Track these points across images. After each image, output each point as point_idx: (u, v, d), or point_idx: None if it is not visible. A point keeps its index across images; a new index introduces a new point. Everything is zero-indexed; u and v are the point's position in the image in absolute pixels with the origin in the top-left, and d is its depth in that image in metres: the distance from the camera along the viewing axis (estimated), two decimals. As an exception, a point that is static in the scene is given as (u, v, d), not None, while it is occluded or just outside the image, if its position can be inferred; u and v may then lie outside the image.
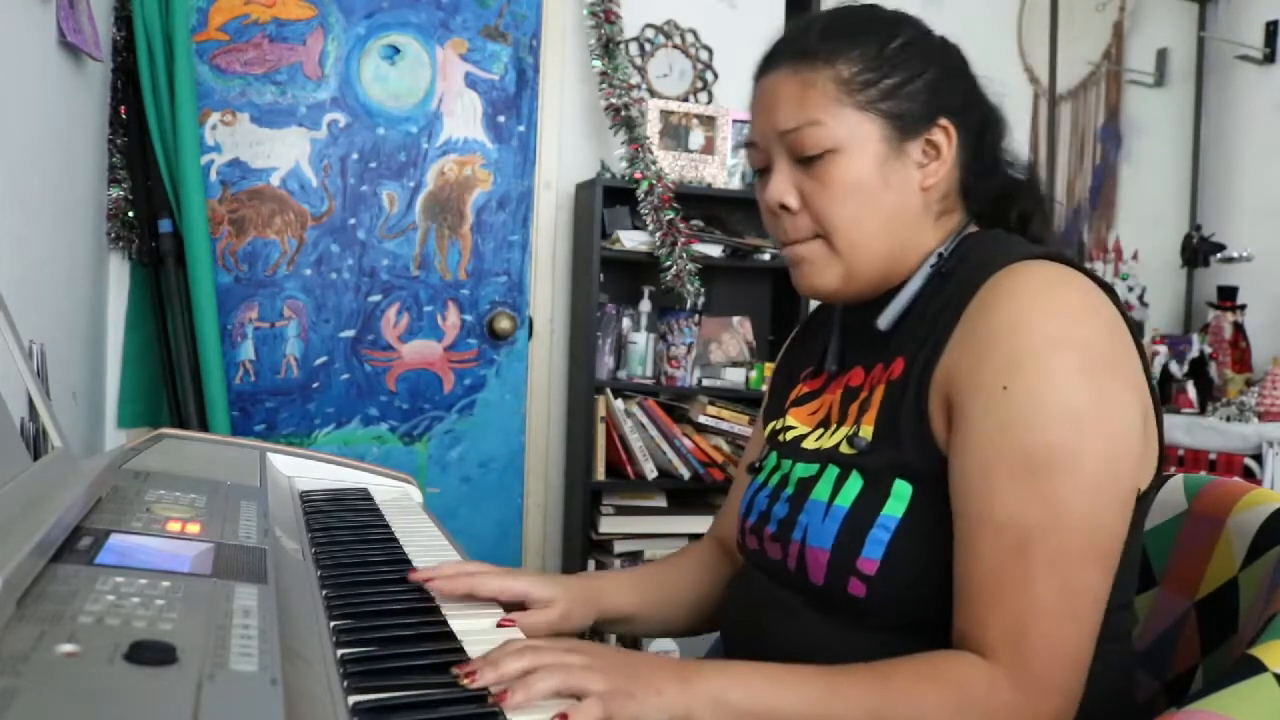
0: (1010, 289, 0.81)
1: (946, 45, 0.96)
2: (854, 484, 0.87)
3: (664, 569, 1.14)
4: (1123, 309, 0.84)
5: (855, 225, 0.89)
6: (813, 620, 0.89)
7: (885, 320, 0.92)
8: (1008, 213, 0.97)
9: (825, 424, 0.97)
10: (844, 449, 0.90)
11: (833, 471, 0.89)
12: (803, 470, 0.94)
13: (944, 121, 0.90)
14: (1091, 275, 0.84)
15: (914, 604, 0.83)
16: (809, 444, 0.96)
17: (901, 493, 0.84)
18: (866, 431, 0.88)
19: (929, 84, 0.90)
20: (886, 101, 0.88)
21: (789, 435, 1.01)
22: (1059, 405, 0.76)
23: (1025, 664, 0.74)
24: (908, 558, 0.82)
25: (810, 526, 0.88)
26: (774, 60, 0.93)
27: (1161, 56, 3.89)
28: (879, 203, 0.89)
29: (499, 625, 0.89)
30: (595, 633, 2.60)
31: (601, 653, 0.75)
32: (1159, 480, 0.87)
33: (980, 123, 0.94)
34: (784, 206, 0.91)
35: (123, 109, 2.15)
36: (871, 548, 0.83)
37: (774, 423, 1.06)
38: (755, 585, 0.99)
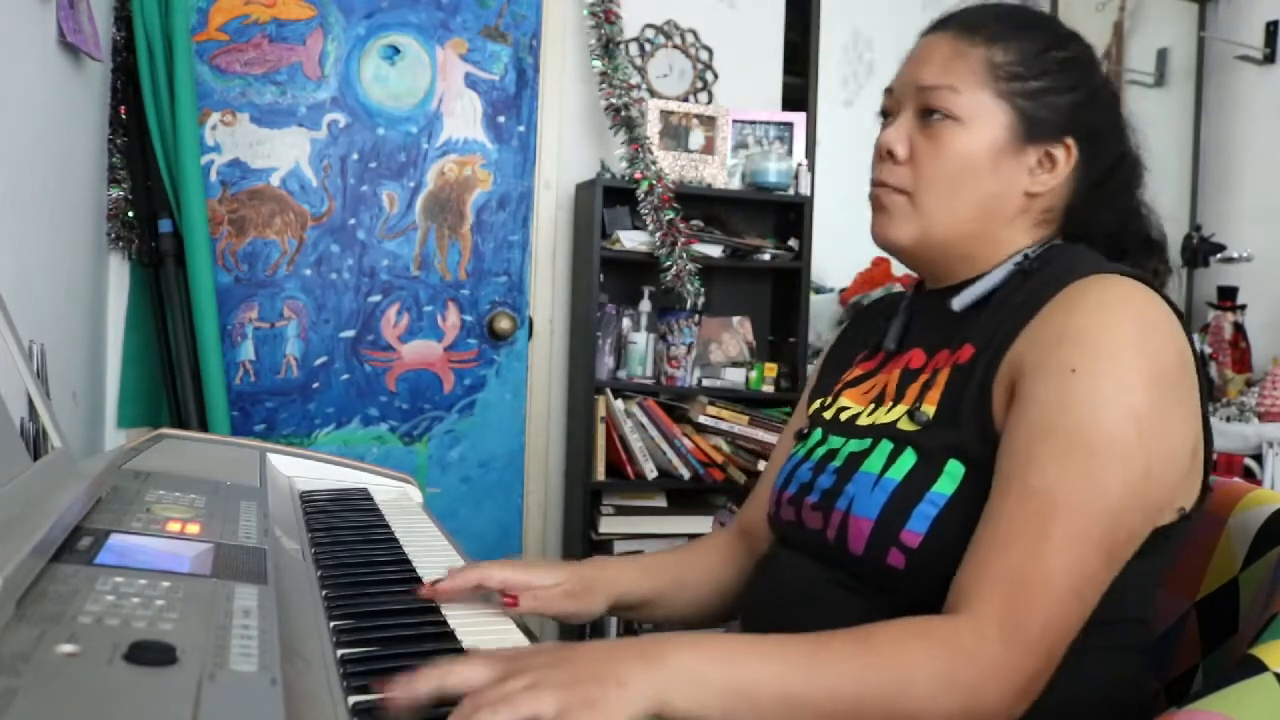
0: (1096, 294, 0.82)
1: (1107, 83, 0.98)
2: (907, 459, 0.87)
3: (679, 557, 1.12)
4: (1189, 332, 0.85)
5: (946, 193, 0.91)
6: (842, 601, 0.88)
7: (960, 302, 0.93)
8: (1112, 254, 0.95)
9: (879, 401, 0.97)
10: (902, 424, 0.90)
11: (886, 446, 0.89)
12: (855, 445, 0.93)
13: (1069, 140, 0.92)
14: (1167, 299, 0.84)
15: (948, 584, 0.81)
16: (863, 421, 0.96)
17: (954, 472, 0.84)
18: (929, 409, 0.89)
19: (1072, 102, 0.92)
20: (1025, 99, 0.91)
21: (842, 415, 1.00)
22: (1122, 401, 0.77)
23: (1020, 622, 0.73)
24: (951, 536, 0.81)
25: (857, 496, 0.88)
26: (943, 23, 0.96)
27: (1161, 56, 3.89)
28: (978, 183, 0.91)
29: (504, 604, 0.89)
30: (595, 627, 2.61)
31: (546, 660, 0.65)
32: (1201, 504, 0.86)
33: (1112, 162, 0.95)
34: (891, 153, 0.94)
35: (123, 109, 2.15)
36: (917, 521, 0.83)
37: (821, 400, 1.06)
38: (783, 569, 0.97)
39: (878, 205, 0.96)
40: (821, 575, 0.91)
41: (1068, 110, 0.92)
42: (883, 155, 0.95)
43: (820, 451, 0.98)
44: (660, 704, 0.65)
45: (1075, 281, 0.84)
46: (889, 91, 0.97)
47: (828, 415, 1.02)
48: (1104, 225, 0.96)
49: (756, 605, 1.01)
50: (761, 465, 2.51)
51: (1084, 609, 0.76)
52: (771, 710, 0.69)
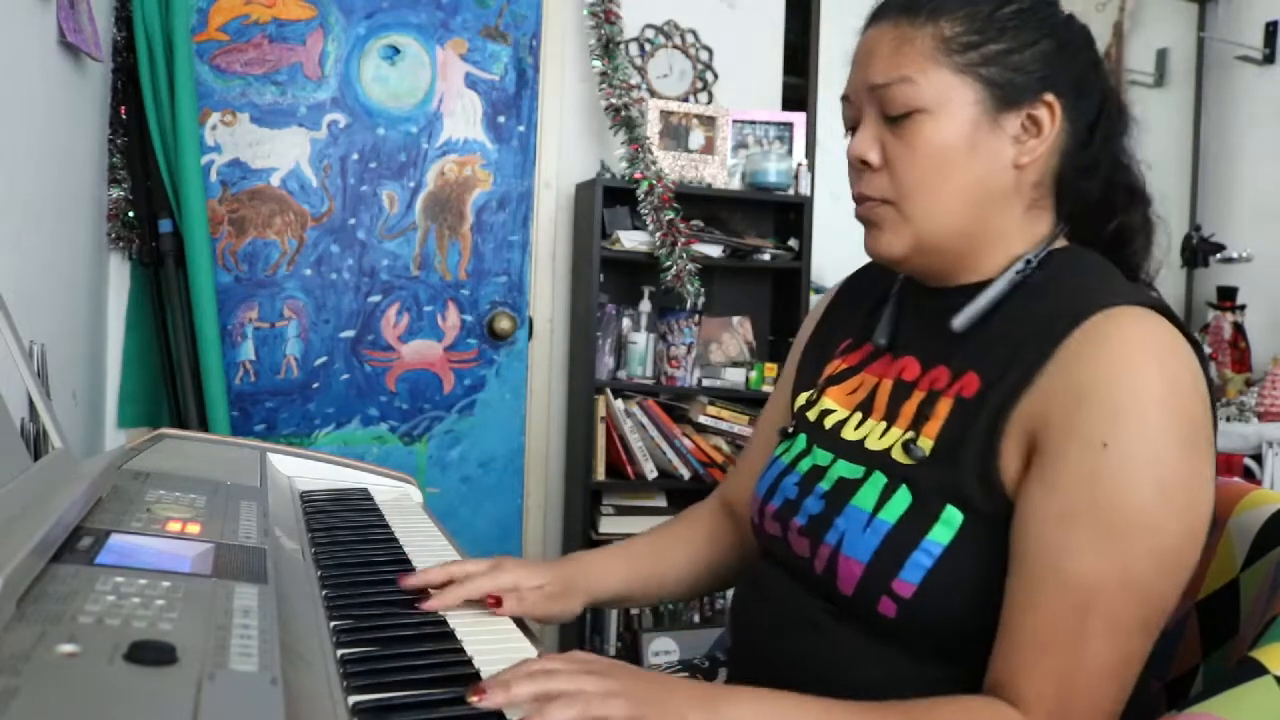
0: (1116, 338, 0.76)
1: (1071, 21, 0.89)
2: (901, 499, 0.83)
3: (660, 539, 1.11)
4: (1205, 363, 0.80)
5: (932, 191, 0.84)
6: (833, 632, 0.86)
7: (961, 322, 0.86)
8: (1105, 225, 0.90)
9: (865, 409, 0.93)
10: (896, 454, 0.86)
11: (879, 480, 0.85)
12: (846, 470, 0.89)
13: (1049, 97, 0.84)
14: (1183, 327, 0.80)
15: (942, 633, 0.81)
16: (849, 434, 0.92)
17: (951, 519, 0.80)
18: (926, 444, 0.84)
19: (1040, 55, 0.84)
20: (988, 67, 0.83)
21: (827, 420, 0.96)
22: (1155, 472, 0.73)
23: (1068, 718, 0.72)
24: (946, 587, 0.79)
25: (848, 534, 0.85)
26: (880, 13, 0.88)
27: (1161, 57, 3.89)
28: (962, 171, 0.84)
29: (489, 606, 0.89)
30: (595, 630, 2.61)
31: (621, 674, 0.71)
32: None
33: (1094, 111, 0.88)
34: (864, 162, 0.87)
35: (123, 109, 2.15)
36: (911, 571, 0.80)
37: (805, 395, 1.02)
38: (774, 589, 0.95)
39: (865, 221, 0.89)
40: (814, 604, 0.89)
41: (1038, 64, 0.84)
42: (856, 166, 0.88)
43: (805, 465, 0.94)
44: None
45: (1090, 318, 0.78)
46: (846, 100, 0.90)
47: (812, 416, 0.98)
48: (1101, 193, 0.89)
49: (749, 627, 0.98)
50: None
51: (1129, 686, 0.75)
52: None
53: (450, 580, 0.90)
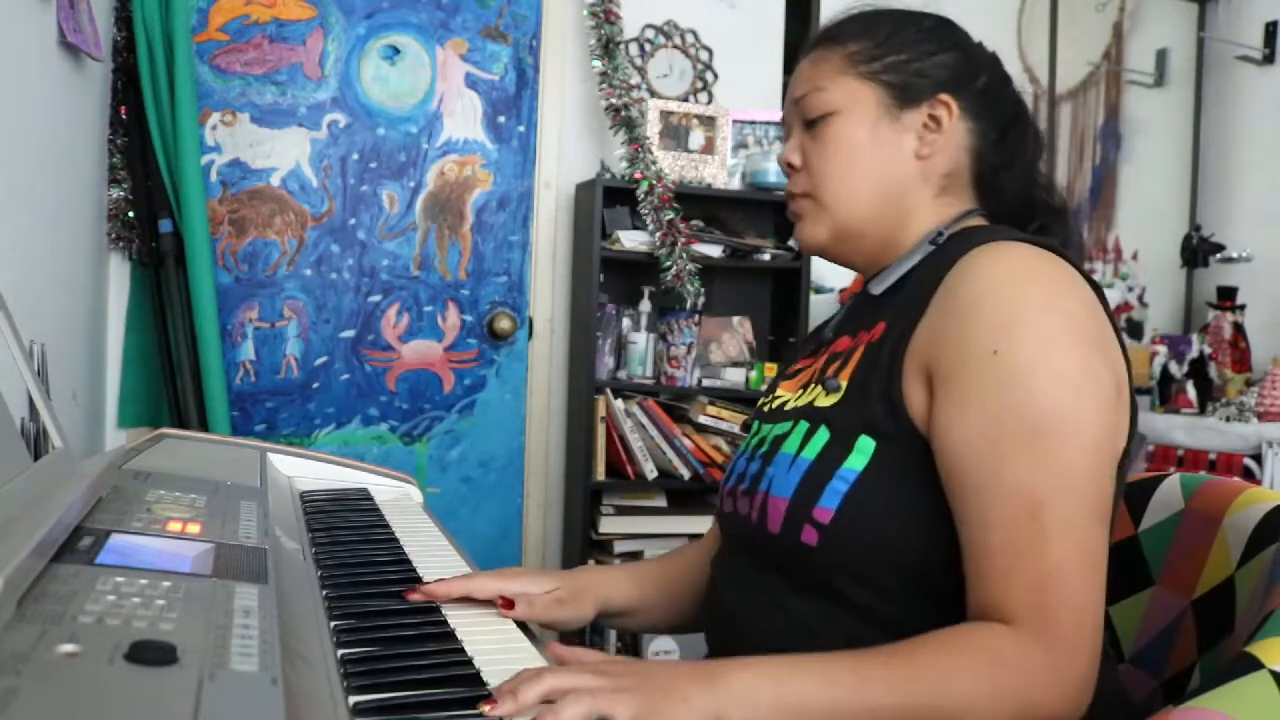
0: (989, 261, 0.84)
1: (979, 46, 1.01)
2: (821, 437, 0.89)
3: (666, 564, 1.14)
4: (1100, 291, 0.87)
5: (841, 181, 0.96)
6: (774, 589, 0.90)
7: (878, 285, 0.96)
8: (1025, 224, 0.98)
9: (807, 387, 1.00)
10: (818, 401, 0.92)
11: (803, 426, 0.92)
12: (778, 429, 0.96)
13: (945, 97, 0.94)
14: (1069, 259, 0.86)
15: (864, 559, 0.84)
16: (789, 406, 0.99)
17: (864, 448, 0.85)
18: (841, 382, 0.91)
19: (940, 63, 0.96)
20: (888, 73, 0.95)
21: (774, 404, 1.04)
22: (1053, 369, 0.78)
23: (1052, 625, 0.75)
24: (863, 510, 0.83)
25: (775, 477, 0.90)
26: (805, 48, 1.02)
27: (1161, 57, 3.89)
28: (866, 160, 0.95)
29: (499, 607, 0.90)
30: (595, 630, 2.61)
31: (623, 669, 0.74)
32: (1128, 452, 0.88)
33: (1004, 120, 0.98)
34: (790, 165, 1.00)
35: (123, 109, 2.15)
36: (829, 497, 0.85)
37: (764, 400, 1.09)
38: (731, 570, 0.99)
39: (794, 216, 1.01)
40: (751, 580, 0.94)
41: (937, 69, 0.95)
42: (785, 170, 1.01)
43: (753, 442, 1.01)
44: (717, 719, 0.71)
45: (968, 253, 0.85)
46: (783, 123, 1.03)
47: (766, 409, 1.06)
48: (1014, 190, 0.98)
49: (714, 615, 1.03)
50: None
51: (1101, 580, 0.78)
52: None
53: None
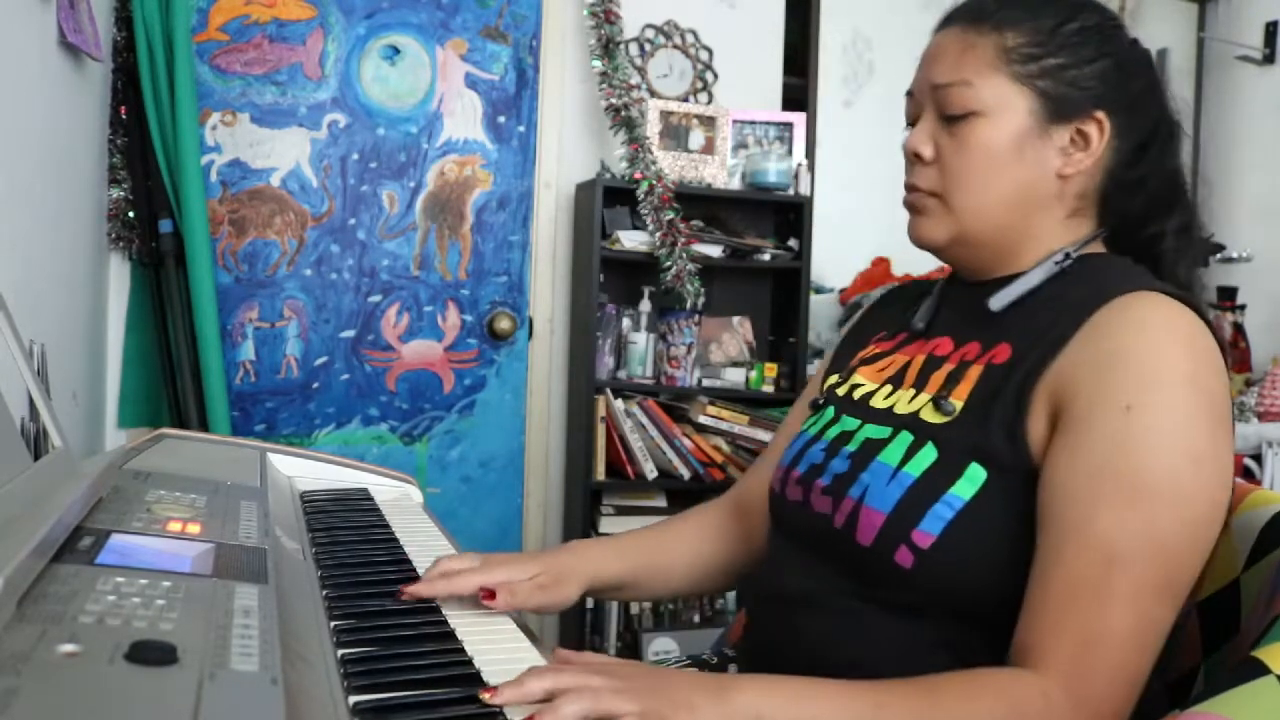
0: (1142, 315, 0.80)
1: (1135, 45, 0.94)
2: (927, 454, 0.85)
3: (659, 533, 1.11)
4: (1227, 358, 0.83)
5: (977, 189, 0.90)
6: (849, 600, 0.87)
7: (998, 302, 0.91)
8: (1139, 231, 0.94)
9: (896, 383, 0.95)
10: (926, 414, 0.88)
11: (906, 438, 0.88)
12: (873, 431, 0.92)
13: (1100, 114, 0.89)
14: (1206, 318, 0.83)
15: (956, 590, 0.81)
16: (878, 402, 0.95)
17: (975, 476, 0.82)
18: (956, 402, 0.87)
19: (1097, 72, 0.89)
20: (1044, 79, 0.88)
21: (856, 393, 0.99)
22: (1182, 440, 0.76)
23: (1088, 683, 0.72)
24: (964, 541, 0.80)
25: (872, 486, 0.86)
26: (950, 18, 0.94)
27: (1161, 57, 3.89)
28: (1007, 173, 0.89)
29: (481, 599, 0.88)
30: (595, 630, 2.61)
31: (630, 672, 0.73)
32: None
33: (1146, 132, 0.92)
34: (918, 155, 0.93)
35: (123, 109, 2.14)
36: (931, 521, 0.81)
37: (834, 378, 1.05)
38: (788, 563, 0.95)
39: (912, 208, 0.95)
40: (821, 582, 0.90)
41: (1094, 82, 0.88)
42: (910, 159, 0.94)
43: (833, 431, 0.96)
44: None
45: (1119, 296, 0.82)
46: (910, 95, 0.96)
47: (841, 392, 1.01)
48: (1137, 209, 0.93)
49: (765, 603, 0.99)
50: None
51: (1150, 658, 0.75)
52: None
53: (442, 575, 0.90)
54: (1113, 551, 0.74)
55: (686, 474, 2.62)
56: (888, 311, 1.09)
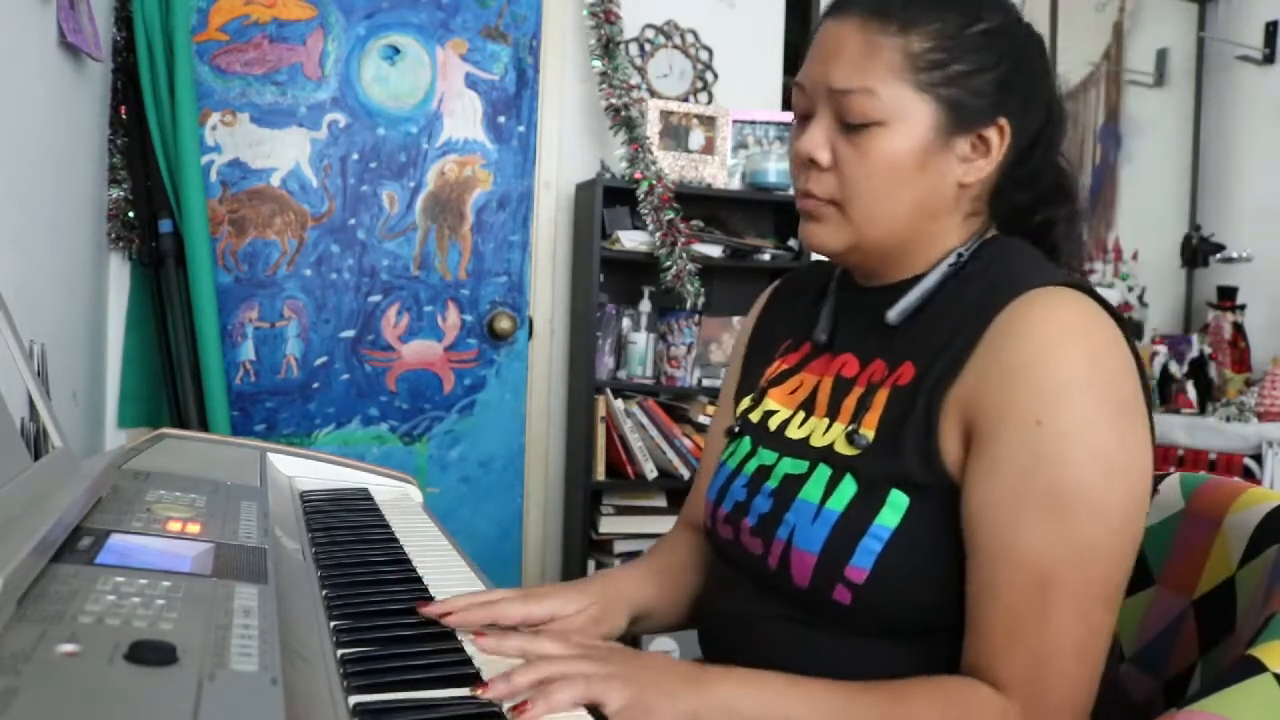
0: (1038, 319, 0.79)
1: (1031, 37, 0.91)
2: (847, 488, 0.84)
3: (665, 559, 1.08)
4: (1130, 337, 0.82)
5: (877, 201, 0.86)
6: (795, 625, 0.88)
7: (896, 314, 0.89)
8: (1030, 218, 0.93)
9: (808, 408, 0.94)
10: (840, 447, 0.87)
11: (824, 472, 0.87)
12: (791, 466, 0.91)
13: (1001, 121, 0.86)
14: (1106, 304, 0.82)
15: (898, 615, 0.82)
16: (793, 432, 0.93)
17: (897, 503, 0.82)
18: (868, 433, 0.86)
19: (998, 79, 0.85)
20: (949, 88, 0.84)
21: (771, 421, 0.97)
22: (1092, 446, 0.76)
23: (1042, 702, 0.74)
24: (899, 569, 0.81)
25: (798, 527, 0.86)
26: (848, 6, 0.87)
27: (1161, 57, 3.89)
28: (909, 186, 0.86)
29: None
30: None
31: (618, 657, 0.74)
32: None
33: (1037, 128, 0.90)
34: (813, 161, 0.88)
35: (123, 109, 2.15)
36: (862, 556, 0.81)
37: (748, 398, 1.02)
38: (734, 589, 0.95)
39: (806, 214, 0.91)
40: (767, 608, 0.90)
41: (995, 88, 0.85)
42: (804, 163, 0.89)
43: (752, 466, 0.95)
44: None
45: (1015, 300, 0.80)
46: (800, 88, 0.90)
47: (755, 419, 0.99)
48: (1026, 199, 0.91)
49: (716, 627, 0.99)
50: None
51: (1099, 661, 0.77)
52: None
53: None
54: (1044, 569, 0.75)
55: (686, 474, 2.62)
56: (789, 308, 1.05)
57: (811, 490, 0.87)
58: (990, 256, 0.89)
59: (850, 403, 0.90)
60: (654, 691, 0.71)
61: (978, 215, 0.92)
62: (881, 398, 0.87)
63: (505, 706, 0.67)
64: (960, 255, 0.89)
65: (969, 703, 0.76)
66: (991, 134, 0.86)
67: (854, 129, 0.85)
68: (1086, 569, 0.75)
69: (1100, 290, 0.87)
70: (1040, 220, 0.93)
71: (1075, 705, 0.76)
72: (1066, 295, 0.81)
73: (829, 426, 0.91)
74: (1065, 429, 0.76)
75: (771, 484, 0.91)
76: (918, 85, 0.84)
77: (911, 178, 0.85)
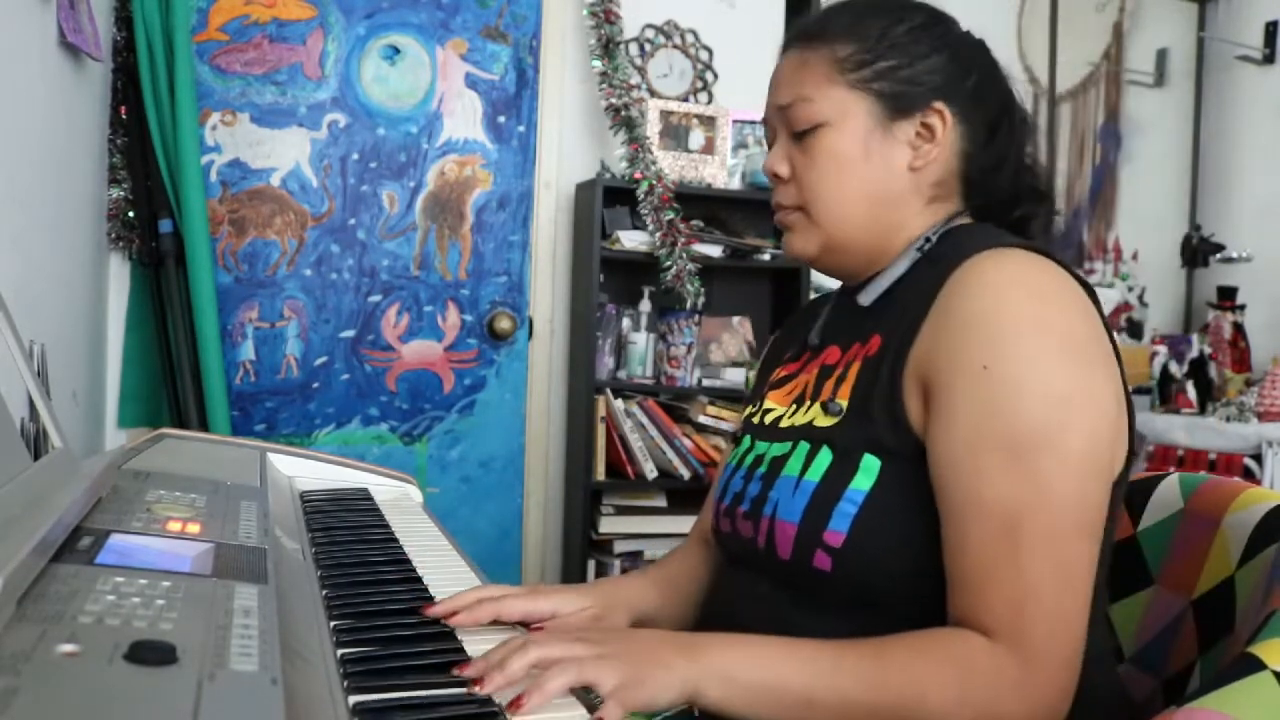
0: (984, 273, 0.82)
1: (967, 37, 0.97)
2: (824, 458, 0.87)
3: (670, 567, 1.11)
4: (1097, 299, 0.85)
5: (833, 196, 0.92)
6: (784, 606, 0.89)
7: (867, 297, 0.94)
8: (1009, 213, 0.97)
9: (800, 402, 0.97)
10: (818, 421, 0.91)
11: (804, 447, 0.90)
12: (776, 449, 0.94)
13: (939, 105, 0.91)
14: (1065, 265, 0.85)
15: (878, 580, 0.83)
16: (784, 423, 0.97)
17: (870, 467, 0.84)
18: (842, 401, 0.90)
19: (932, 67, 0.92)
20: (879, 81, 0.91)
21: (767, 418, 1.01)
22: (1041, 386, 0.78)
23: (1027, 640, 0.75)
24: (874, 531, 0.83)
25: (780, 501, 0.89)
26: (786, 43, 0.98)
27: (1161, 57, 3.89)
28: (858, 176, 0.92)
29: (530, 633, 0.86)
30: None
31: (605, 637, 0.75)
32: (1129, 468, 0.88)
33: (994, 118, 0.95)
34: (776, 175, 0.97)
35: (123, 109, 2.15)
36: (838, 520, 0.84)
37: (750, 408, 1.07)
38: (727, 580, 0.98)
39: (782, 225, 0.98)
40: (755, 588, 0.93)
41: (930, 75, 0.91)
42: (771, 180, 0.98)
43: (749, 459, 0.99)
44: (693, 692, 0.73)
45: (965, 262, 0.84)
46: (764, 122, 1.00)
47: (755, 420, 1.03)
48: (1003, 188, 0.95)
49: (706, 615, 1.02)
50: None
51: (1083, 595, 0.78)
52: (793, 711, 0.75)
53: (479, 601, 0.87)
54: (1009, 512, 0.76)
55: (686, 474, 2.62)
56: (793, 334, 1.11)
57: (793, 465, 0.90)
58: (956, 239, 0.92)
59: (829, 382, 0.94)
60: (648, 665, 0.72)
61: (943, 201, 0.95)
62: (854, 370, 0.91)
63: (503, 702, 0.67)
64: (928, 240, 0.93)
65: (956, 650, 0.76)
66: (933, 119, 0.92)
67: (802, 136, 0.94)
68: (1052, 508, 0.76)
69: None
70: (1018, 217, 0.97)
71: (1062, 639, 0.76)
72: (1014, 253, 0.84)
73: (810, 406, 0.94)
74: (1013, 372, 0.78)
75: (761, 469, 0.95)
76: (849, 84, 0.91)
77: (859, 168, 0.92)
